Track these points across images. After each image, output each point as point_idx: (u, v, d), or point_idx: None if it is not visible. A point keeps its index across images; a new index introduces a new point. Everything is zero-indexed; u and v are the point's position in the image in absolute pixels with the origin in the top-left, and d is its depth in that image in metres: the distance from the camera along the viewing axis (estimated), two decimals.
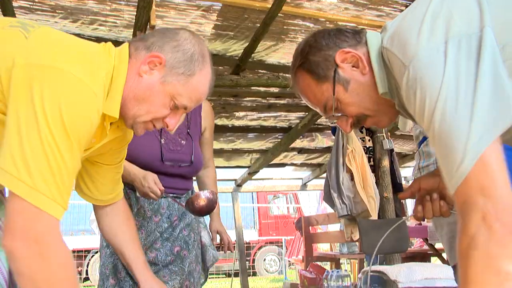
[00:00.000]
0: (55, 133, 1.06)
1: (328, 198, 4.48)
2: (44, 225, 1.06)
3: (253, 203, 12.55)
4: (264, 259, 12.29)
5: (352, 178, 4.34)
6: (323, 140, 6.71)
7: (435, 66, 0.97)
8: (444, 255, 4.45)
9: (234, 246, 7.78)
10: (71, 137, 1.09)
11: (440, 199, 1.33)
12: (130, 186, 2.18)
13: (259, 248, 12.33)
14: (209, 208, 2.21)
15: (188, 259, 2.36)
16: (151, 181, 2.07)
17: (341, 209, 4.28)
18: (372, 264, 3.61)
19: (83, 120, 1.13)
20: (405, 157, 7.71)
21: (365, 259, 4.91)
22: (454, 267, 2.16)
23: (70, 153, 1.10)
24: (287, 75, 4.41)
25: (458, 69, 0.95)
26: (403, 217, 3.25)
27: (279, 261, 12.16)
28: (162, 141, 2.29)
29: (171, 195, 2.30)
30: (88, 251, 10.80)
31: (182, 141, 2.36)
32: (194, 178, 2.58)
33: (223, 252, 2.63)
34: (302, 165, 7.82)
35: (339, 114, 1.24)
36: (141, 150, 2.17)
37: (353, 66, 1.20)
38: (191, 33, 1.37)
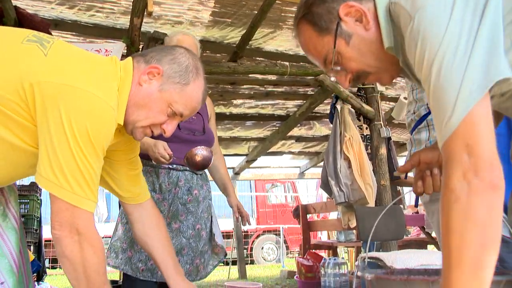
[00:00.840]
0: (83, 146, 1.28)
1: (325, 185, 4.50)
2: (83, 220, 1.32)
3: (251, 192, 12.59)
4: (262, 248, 12.31)
5: (349, 166, 4.35)
6: (320, 129, 6.72)
7: (440, 20, 0.97)
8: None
9: (233, 233, 7.81)
10: (96, 147, 1.31)
11: (441, 174, 1.31)
12: (150, 164, 2.43)
13: (257, 236, 12.37)
14: (205, 163, 2.45)
15: (203, 240, 2.55)
16: (160, 147, 2.28)
17: (339, 197, 4.30)
18: (369, 251, 3.63)
19: (105, 132, 1.34)
20: (402, 146, 7.72)
21: (362, 247, 4.94)
22: None
23: (95, 159, 1.32)
24: (284, 62, 4.41)
25: (462, 25, 0.95)
26: (399, 196, 3.27)
27: (277, 249, 12.20)
28: None
29: (188, 169, 2.52)
30: None
31: (193, 117, 2.57)
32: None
33: (243, 224, 2.88)
34: (300, 153, 7.83)
35: (338, 68, 1.22)
36: None
37: (356, 21, 1.17)
38: (186, 49, 1.55)
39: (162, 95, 1.44)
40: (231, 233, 9.87)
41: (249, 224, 2.88)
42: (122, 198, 1.73)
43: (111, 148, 1.56)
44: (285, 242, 11.89)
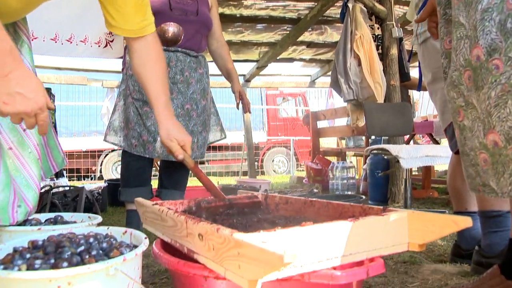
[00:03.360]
0: None
1: (335, 83, 4.51)
2: None
3: (262, 105, 12.63)
4: (273, 160, 12.54)
5: (359, 64, 4.34)
6: (332, 34, 6.61)
7: None
8: None
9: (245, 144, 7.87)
10: None
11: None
12: None
13: (268, 149, 12.55)
14: (175, 39, 2.53)
15: (194, 120, 2.61)
16: None
17: (348, 94, 4.32)
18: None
19: None
20: (415, 56, 7.61)
21: (369, 144, 5.01)
22: (445, 131, 2.24)
23: None
24: None
25: None
26: None
27: (287, 162, 12.41)
28: None
29: (179, 50, 2.59)
30: (101, 151, 11.02)
31: (189, 0, 2.63)
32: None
33: (244, 112, 2.96)
34: (311, 60, 7.76)
35: None
36: (152, 1, 2.35)
37: None
38: None
39: None
40: (241, 145, 10.02)
41: (249, 112, 2.97)
42: (126, 32, 1.67)
43: None
44: (295, 155, 12.06)
